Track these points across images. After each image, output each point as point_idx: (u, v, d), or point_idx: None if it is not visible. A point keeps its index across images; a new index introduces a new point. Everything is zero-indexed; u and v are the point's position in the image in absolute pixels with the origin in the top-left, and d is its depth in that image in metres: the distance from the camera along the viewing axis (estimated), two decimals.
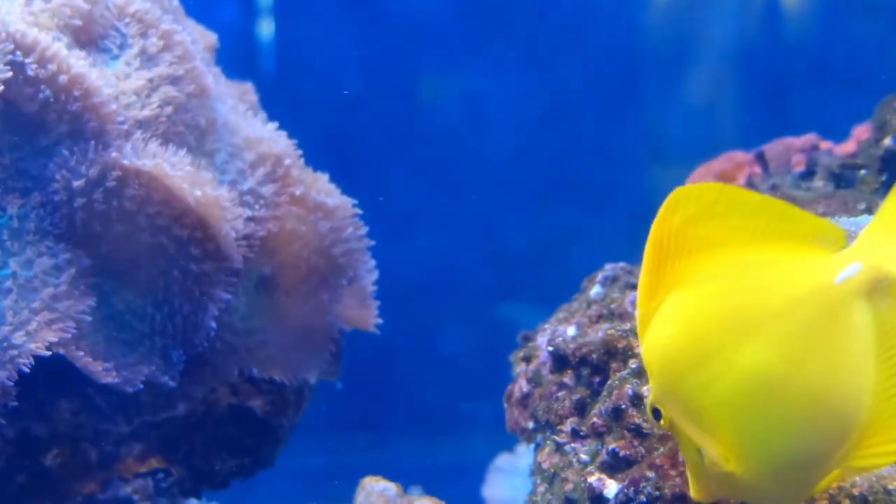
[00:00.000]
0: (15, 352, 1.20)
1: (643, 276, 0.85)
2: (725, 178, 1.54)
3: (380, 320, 1.63)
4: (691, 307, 0.82)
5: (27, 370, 1.20)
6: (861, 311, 0.75)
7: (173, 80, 1.34)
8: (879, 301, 0.75)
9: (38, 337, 1.21)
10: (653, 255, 0.84)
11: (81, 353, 1.26)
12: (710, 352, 0.80)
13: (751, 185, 1.50)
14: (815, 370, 0.76)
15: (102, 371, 1.27)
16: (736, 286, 0.80)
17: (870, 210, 1.28)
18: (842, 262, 0.76)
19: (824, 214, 1.28)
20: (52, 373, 1.33)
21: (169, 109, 1.33)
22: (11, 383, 1.20)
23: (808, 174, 1.45)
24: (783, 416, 0.78)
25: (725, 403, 0.80)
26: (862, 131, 1.51)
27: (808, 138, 1.54)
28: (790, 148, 1.53)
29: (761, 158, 1.54)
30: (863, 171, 1.38)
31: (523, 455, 1.96)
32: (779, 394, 0.77)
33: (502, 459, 2.03)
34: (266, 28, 2.57)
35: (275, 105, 1.63)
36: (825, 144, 1.54)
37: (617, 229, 2.45)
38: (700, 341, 0.81)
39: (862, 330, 0.76)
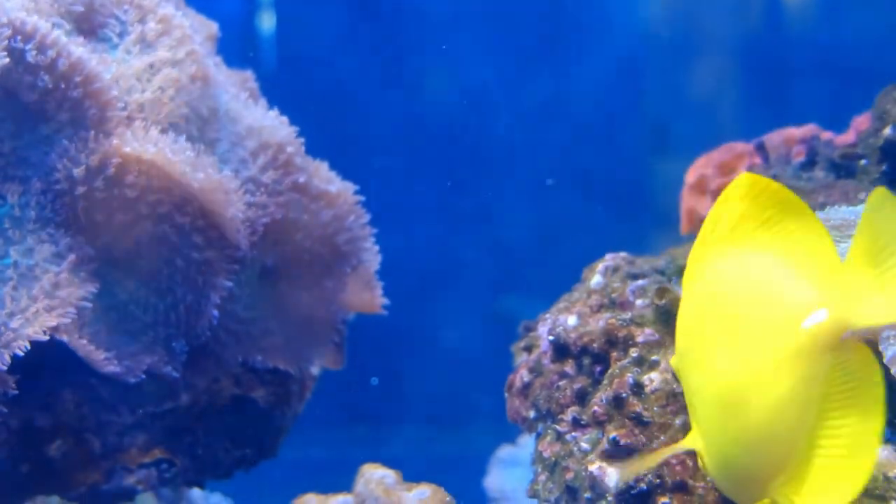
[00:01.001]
0: (11, 335, 1.19)
1: (703, 232, 0.86)
2: (726, 168, 1.55)
3: (386, 301, 1.63)
4: (704, 299, 0.85)
5: (21, 354, 1.20)
6: (821, 360, 0.76)
7: (174, 63, 1.34)
8: (839, 355, 0.75)
9: (36, 322, 1.21)
10: (710, 223, 0.85)
11: (84, 342, 1.26)
12: (702, 348, 0.84)
13: None
14: (773, 400, 0.77)
15: (104, 360, 1.27)
16: (740, 295, 0.81)
17: None
18: (813, 305, 0.76)
19: (824, 204, 1.28)
20: (56, 363, 1.33)
21: (171, 91, 1.33)
22: (5, 367, 1.19)
23: (809, 164, 1.45)
24: (739, 431, 0.80)
25: (702, 399, 0.84)
26: (862, 122, 1.51)
27: (809, 128, 1.54)
28: (790, 138, 1.53)
29: (762, 149, 1.54)
30: (863, 161, 1.37)
31: (525, 446, 1.96)
32: (739, 411, 0.79)
33: (504, 451, 2.03)
34: (267, 20, 2.57)
35: (275, 97, 1.63)
36: (825, 135, 1.54)
37: (618, 220, 2.45)
38: (699, 335, 0.84)
39: (817, 378, 0.76)
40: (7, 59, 1.19)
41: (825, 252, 0.78)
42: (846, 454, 0.75)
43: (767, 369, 0.77)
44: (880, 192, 0.74)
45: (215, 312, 1.36)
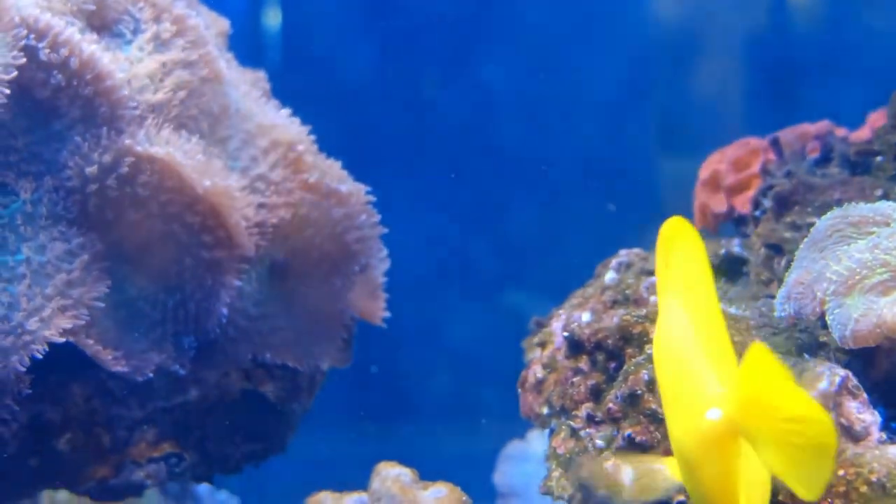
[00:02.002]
0: (29, 338, 1.20)
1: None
2: (740, 164, 1.54)
3: (387, 314, 1.63)
4: (657, 354, 0.91)
5: (40, 356, 1.20)
6: (722, 448, 0.79)
7: (186, 65, 1.34)
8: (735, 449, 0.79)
9: (52, 324, 1.21)
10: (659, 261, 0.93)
11: (91, 342, 1.26)
12: (662, 400, 0.90)
13: (766, 171, 1.50)
14: (708, 471, 0.81)
15: (112, 359, 1.28)
16: (672, 368, 0.87)
17: (886, 196, 1.28)
18: (713, 402, 0.79)
19: (840, 201, 1.28)
20: (65, 358, 1.33)
21: (182, 94, 1.33)
22: (24, 368, 1.20)
23: (824, 161, 1.44)
24: (693, 491, 0.85)
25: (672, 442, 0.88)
26: (877, 118, 1.50)
27: (823, 125, 1.54)
28: (805, 135, 1.52)
29: (776, 145, 1.53)
30: (879, 158, 1.37)
31: (534, 442, 1.96)
32: (689, 472, 0.85)
33: (513, 446, 2.03)
34: (273, 18, 2.56)
35: (283, 95, 1.62)
36: (840, 131, 1.53)
37: (626, 218, 2.44)
38: (660, 384, 0.91)
39: (736, 454, 0.79)
40: (23, 59, 1.19)
41: (725, 343, 0.84)
42: None
43: (695, 446, 0.82)
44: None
45: (224, 310, 1.36)
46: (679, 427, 0.85)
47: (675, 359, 0.86)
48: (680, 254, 0.90)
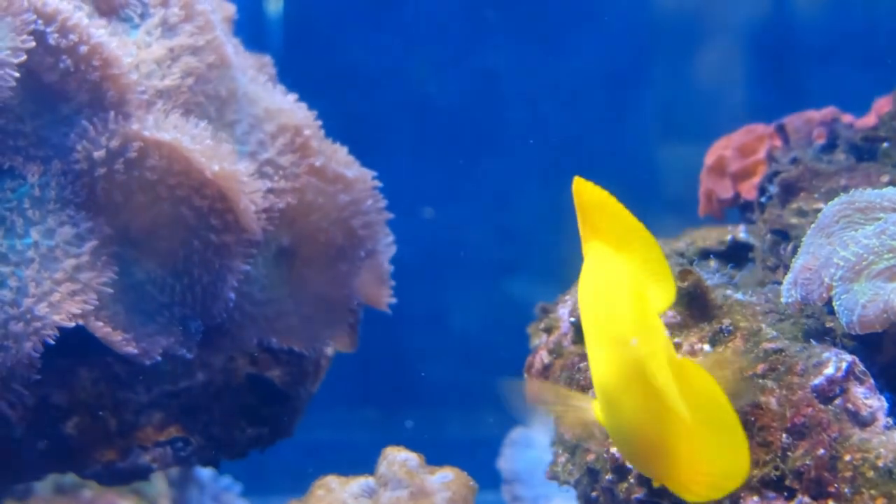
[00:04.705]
0: (39, 323, 1.20)
1: None
2: (746, 150, 1.54)
3: (393, 300, 1.63)
4: (588, 292, 0.95)
5: (52, 342, 1.21)
6: (643, 378, 0.82)
7: (194, 51, 1.34)
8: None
9: (61, 308, 1.21)
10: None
11: (101, 324, 1.26)
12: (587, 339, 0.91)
13: (771, 158, 1.50)
14: (624, 409, 0.85)
15: (122, 341, 1.28)
16: (605, 310, 0.89)
17: (893, 182, 1.28)
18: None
19: (847, 187, 1.28)
20: (73, 342, 1.33)
21: (190, 80, 1.33)
22: (38, 355, 1.21)
23: (830, 147, 1.44)
24: (614, 430, 0.88)
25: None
26: (883, 104, 1.50)
27: (829, 111, 1.53)
28: (811, 121, 1.52)
29: (782, 131, 1.53)
30: (885, 144, 1.37)
31: (539, 429, 1.96)
32: (609, 414, 0.87)
33: (518, 433, 2.03)
34: (274, 3, 2.56)
35: (287, 80, 1.62)
36: (845, 118, 1.53)
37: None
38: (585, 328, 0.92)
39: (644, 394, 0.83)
40: (33, 43, 1.19)
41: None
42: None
43: (617, 375, 0.84)
44: None
45: (231, 294, 1.36)
46: (602, 360, 0.86)
47: (606, 302, 0.88)
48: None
